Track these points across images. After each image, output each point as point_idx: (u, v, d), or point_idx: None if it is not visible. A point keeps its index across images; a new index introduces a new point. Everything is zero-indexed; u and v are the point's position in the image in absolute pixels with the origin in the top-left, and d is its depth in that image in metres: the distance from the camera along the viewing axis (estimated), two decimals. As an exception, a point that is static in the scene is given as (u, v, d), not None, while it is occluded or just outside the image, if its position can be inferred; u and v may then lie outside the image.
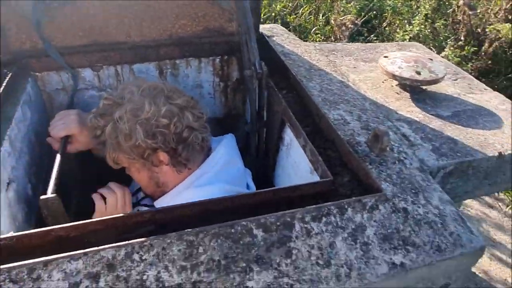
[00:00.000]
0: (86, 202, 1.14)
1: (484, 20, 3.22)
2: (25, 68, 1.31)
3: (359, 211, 0.80)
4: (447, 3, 3.47)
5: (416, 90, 1.41)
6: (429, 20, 3.37)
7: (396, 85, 1.46)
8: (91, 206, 1.11)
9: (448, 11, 3.38)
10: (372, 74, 1.49)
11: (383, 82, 1.47)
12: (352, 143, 0.99)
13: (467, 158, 1.13)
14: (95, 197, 1.10)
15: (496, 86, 3.08)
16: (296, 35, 1.67)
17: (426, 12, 3.37)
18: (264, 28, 1.70)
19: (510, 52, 3.25)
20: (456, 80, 1.62)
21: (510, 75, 3.29)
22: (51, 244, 0.75)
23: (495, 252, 2.43)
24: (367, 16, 3.73)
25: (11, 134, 1.06)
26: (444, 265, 0.74)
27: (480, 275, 2.30)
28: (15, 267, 0.67)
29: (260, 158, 1.29)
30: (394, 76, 1.41)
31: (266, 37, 1.63)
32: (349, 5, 4.05)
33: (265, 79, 1.12)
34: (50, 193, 0.96)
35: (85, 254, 0.69)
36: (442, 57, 2.29)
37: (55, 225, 0.77)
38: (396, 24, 3.69)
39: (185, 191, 1.11)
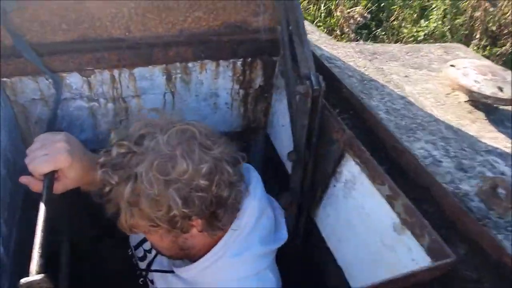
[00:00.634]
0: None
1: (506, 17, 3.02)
2: (-11, 73, 0.98)
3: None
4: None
5: (490, 109, 1.17)
6: (448, 16, 3.12)
7: (465, 101, 1.20)
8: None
9: (464, 6, 3.14)
10: (429, 85, 1.24)
11: (446, 96, 1.22)
12: (458, 194, 0.73)
13: None
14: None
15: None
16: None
17: (445, 7, 3.13)
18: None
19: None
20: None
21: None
22: None
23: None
24: (374, 8, 3.46)
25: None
26: None
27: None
28: None
29: (304, 193, 1.02)
30: (470, 92, 1.15)
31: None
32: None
33: (322, 98, 0.84)
34: (35, 272, 0.65)
35: None
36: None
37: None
38: (403, 18, 3.44)
39: (220, 262, 0.87)
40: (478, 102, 1.17)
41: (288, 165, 1.26)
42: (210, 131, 0.84)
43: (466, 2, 3.19)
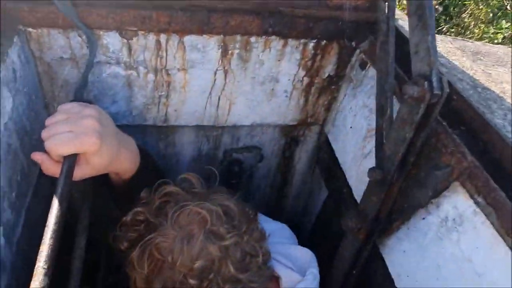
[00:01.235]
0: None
1: None
2: (10, 19, 0.79)
3: None
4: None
5: None
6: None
7: None
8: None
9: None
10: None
11: None
12: None
13: None
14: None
15: None
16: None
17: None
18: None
19: None
20: None
21: None
22: None
23: None
24: (447, 1, 3.11)
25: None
26: None
27: None
28: None
29: (378, 220, 0.81)
30: None
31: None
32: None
33: (439, 107, 0.61)
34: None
35: None
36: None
37: None
38: (477, 16, 3.07)
39: None
40: None
41: (350, 176, 1.05)
42: (235, 214, 0.75)
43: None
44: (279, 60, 1.00)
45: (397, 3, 1.03)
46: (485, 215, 0.60)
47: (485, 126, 0.67)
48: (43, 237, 0.54)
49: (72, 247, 0.73)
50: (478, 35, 3.01)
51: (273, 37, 0.95)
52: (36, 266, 0.51)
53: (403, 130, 0.65)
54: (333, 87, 1.10)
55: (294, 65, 1.02)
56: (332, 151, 1.17)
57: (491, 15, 3.09)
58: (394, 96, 0.76)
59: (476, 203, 0.61)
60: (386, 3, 0.78)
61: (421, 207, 0.74)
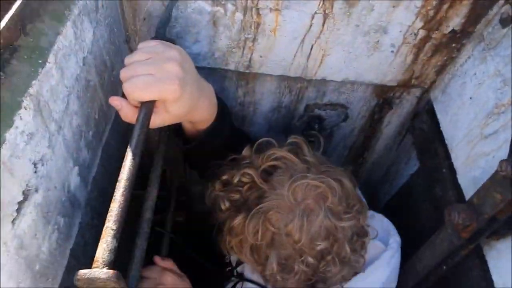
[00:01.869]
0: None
1: None
2: None
3: None
4: None
5: None
6: None
7: None
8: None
9: None
10: None
11: None
12: None
13: None
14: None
15: None
16: None
17: None
18: None
19: None
20: None
21: None
22: None
23: None
24: None
25: (40, 88, 0.51)
26: None
27: None
28: None
29: (494, 218, 0.65)
30: None
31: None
32: None
33: None
34: (101, 262, 0.43)
35: None
36: None
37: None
38: None
39: None
40: None
41: (457, 157, 0.88)
42: (350, 192, 0.73)
43: None
44: (393, 7, 0.81)
45: None
46: None
47: None
48: (114, 193, 0.49)
49: (144, 196, 0.69)
50: None
51: (393, -25, 0.76)
52: (105, 227, 0.46)
53: None
54: (453, 45, 0.89)
55: (412, 14, 0.82)
56: (435, 122, 0.99)
57: None
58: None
59: None
60: None
61: None
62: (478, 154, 0.80)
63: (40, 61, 0.51)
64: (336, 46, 0.91)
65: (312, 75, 1.00)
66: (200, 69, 0.99)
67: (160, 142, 0.81)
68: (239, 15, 0.85)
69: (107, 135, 0.82)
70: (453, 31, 0.86)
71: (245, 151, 0.78)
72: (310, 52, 0.93)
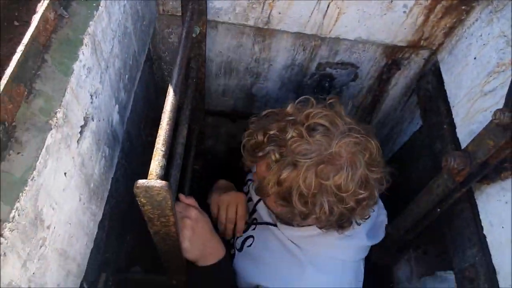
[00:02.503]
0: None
1: None
2: None
3: None
4: None
5: None
6: None
7: None
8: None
9: None
10: None
11: None
12: None
13: None
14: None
15: None
16: None
17: None
18: None
19: None
20: None
21: None
22: None
23: None
24: None
25: (95, 28, 0.57)
26: None
27: None
28: None
29: (486, 168, 0.74)
30: None
31: None
32: None
33: None
34: (155, 174, 0.52)
35: None
36: None
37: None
38: None
39: (327, 238, 0.91)
40: None
41: (458, 113, 0.96)
42: (380, 151, 0.83)
43: None
44: (408, -33, 0.86)
45: None
46: None
47: None
48: (161, 122, 0.58)
49: (175, 135, 0.78)
50: None
51: None
52: (155, 148, 0.55)
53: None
54: (463, 7, 0.95)
55: (425, -25, 0.87)
56: (440, 82, 1.05)
57: None
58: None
59: None
60: None
61: None
62: (477, 110, 0.87)
63: (94, 4, 0.57)
64: (351, 5, 0.96)
65: (327, 32, 1.05)
66: (221, 24, 1.05)
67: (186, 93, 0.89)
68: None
69: (137, 83, 0.90)
70: (465, -9, 0.91)
71: (290, 108, 0.84)
72: (327, 10, 0.98)
